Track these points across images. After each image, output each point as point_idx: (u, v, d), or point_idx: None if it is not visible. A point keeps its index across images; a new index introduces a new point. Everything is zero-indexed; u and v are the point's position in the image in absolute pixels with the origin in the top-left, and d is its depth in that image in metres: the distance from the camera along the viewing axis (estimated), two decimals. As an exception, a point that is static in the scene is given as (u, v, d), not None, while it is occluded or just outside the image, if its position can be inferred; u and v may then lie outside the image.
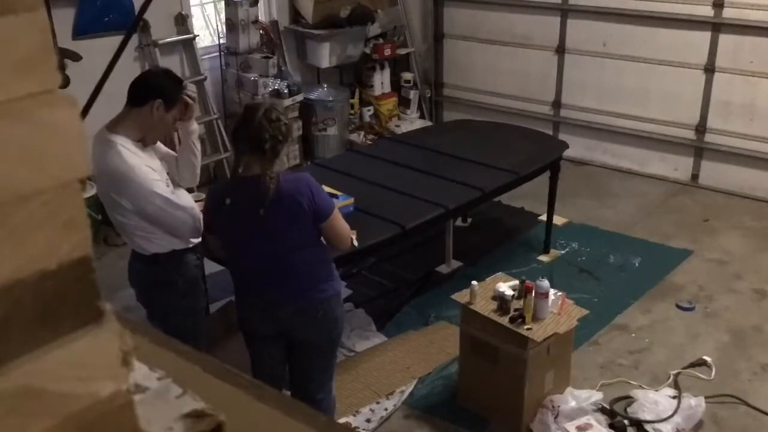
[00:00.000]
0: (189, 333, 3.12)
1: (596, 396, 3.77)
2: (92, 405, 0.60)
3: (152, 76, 3.34)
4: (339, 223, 3.03)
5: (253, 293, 3.10)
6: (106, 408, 0.61)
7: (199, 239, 3.23)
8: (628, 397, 3.86)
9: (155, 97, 2.98)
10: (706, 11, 6.08)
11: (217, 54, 6.43)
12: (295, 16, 6.86)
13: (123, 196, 2.97)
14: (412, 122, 7.45)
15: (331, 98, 6.85)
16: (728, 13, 5.99)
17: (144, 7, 4.66)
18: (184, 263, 3.21)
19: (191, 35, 6.20)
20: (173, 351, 0.89)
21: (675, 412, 3.68)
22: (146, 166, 2.99)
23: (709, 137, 6.38)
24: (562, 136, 6.68)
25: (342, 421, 3.63)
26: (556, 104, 7.08)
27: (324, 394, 3.28)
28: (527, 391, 3.59)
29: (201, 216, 3.15)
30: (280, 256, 2.97)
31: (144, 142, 3.05)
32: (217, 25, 6.60)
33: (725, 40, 6.06)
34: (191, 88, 3.22)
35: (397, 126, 7.33)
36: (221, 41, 6.40)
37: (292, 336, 3.14)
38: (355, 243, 3.45)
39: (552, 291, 3.67)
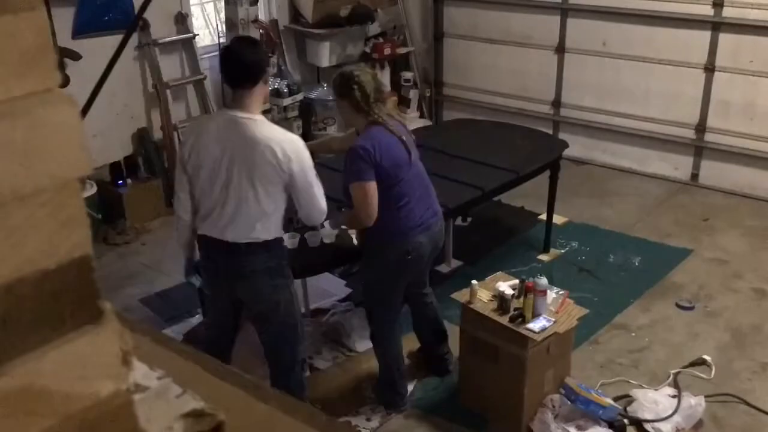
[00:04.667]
0: (298, 314, 3.38)
1: (596, 395, 3.77)
2: (92, 404, 0.60)
3: (250, 55, 3.16)
4: None
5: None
6: (106, 407, 0.61)
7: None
8: (627, 396, 3.85)
9: (265, 71, 3.13)
10: (706, 10, 6.07)
11: (217, 53, 6.41)
12: (295, 15, 6.86)
13: (293, 162, 3.00)
14: (411, 121, 7.44)
15: (331, 97, 6.83)
16: (728, 12, 5.99)
17: (144, 7, 4.66)
18: (284, 247, 3.30)
19: (191, 34, 6.19)
20: (173, 351, 0.89)
21: (675, 411, 3.68)
22: None
23: (709, 137, 6.38)
24: (562, 136, 6.69)
25: (342, 420, 3.63)
26: (556, 103, 7.08)
27: None
28: (527, 390, 3.59)
29: None
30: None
31: None
32: (216, 25, 6.60)
33: (725, 39, 6.06)
34: None
35: (397, 125, 7.33)
36: (221, 40, 6.39)
37: None
38: (354, 242, 3.52)
39: (554, 290, 3.67)
